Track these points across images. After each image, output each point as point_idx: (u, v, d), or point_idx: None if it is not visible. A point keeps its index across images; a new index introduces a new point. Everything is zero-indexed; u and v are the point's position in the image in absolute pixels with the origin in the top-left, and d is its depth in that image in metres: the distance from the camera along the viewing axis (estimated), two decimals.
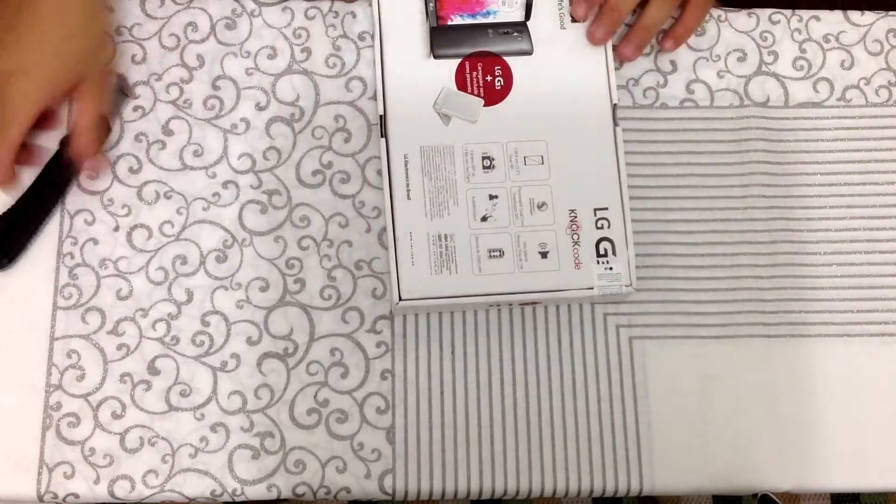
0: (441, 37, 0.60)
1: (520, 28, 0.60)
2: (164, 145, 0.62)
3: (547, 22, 0.60)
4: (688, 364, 0.60)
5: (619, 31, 0.62)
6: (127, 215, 0.61)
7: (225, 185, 0.61)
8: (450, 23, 0.60)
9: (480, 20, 0.60)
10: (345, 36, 0.64)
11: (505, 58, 0.59)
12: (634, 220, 0.60)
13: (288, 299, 0.60)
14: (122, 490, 0.56)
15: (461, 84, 0.59)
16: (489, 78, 0.59)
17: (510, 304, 0.59)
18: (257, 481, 0.57)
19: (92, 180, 0.60)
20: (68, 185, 0.60)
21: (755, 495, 0.61)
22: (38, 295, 0.59)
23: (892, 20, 0.66)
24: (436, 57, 0.59)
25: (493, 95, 0.59)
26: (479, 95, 0.59)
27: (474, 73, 0.59)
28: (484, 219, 0.57)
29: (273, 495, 0.57)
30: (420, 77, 0.59)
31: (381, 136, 0.58)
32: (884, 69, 0.65)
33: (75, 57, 0.57)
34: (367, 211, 0.61)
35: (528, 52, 0.60)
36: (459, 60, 0.59)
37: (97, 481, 0.56)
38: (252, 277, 0.60)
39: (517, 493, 0.58)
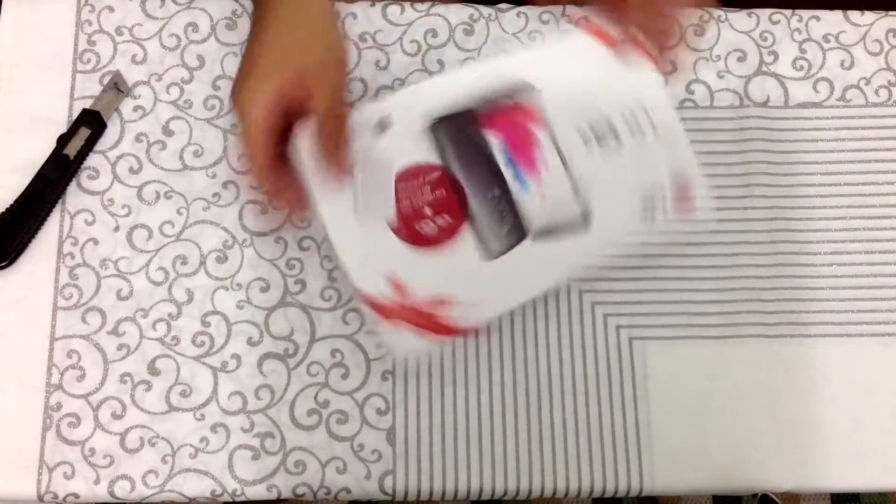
0: None
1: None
2: (164, 145, 0.62)
3: None
4: (688, 364, 0.60)
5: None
6: (127, 215, 0.61)
7: (225, 185, 0.61)
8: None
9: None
10: (345, 37, 0.64)
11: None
12: None
13: (289, 300, 0.60)
14: (122, 490, 0.56)
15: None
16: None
17: None
18: (257, 482, 0.57)
19: (339, 180, 0.55)
20: (67, 184, 0.60)
21: (755, 495, 0.61)
22: (38, 295, 0.59)
23: (892, 20, 0.66)
24: None
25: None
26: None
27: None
28: None
29: (273, 496, 0.57)
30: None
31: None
32: (884, 69, 0.65)
33: (308, 55, 0.54)
34: None
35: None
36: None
37: (97, 481, 0.56)
38: (252, 278, 0.60)
39: (517, 493, 0.58)
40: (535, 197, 0.56)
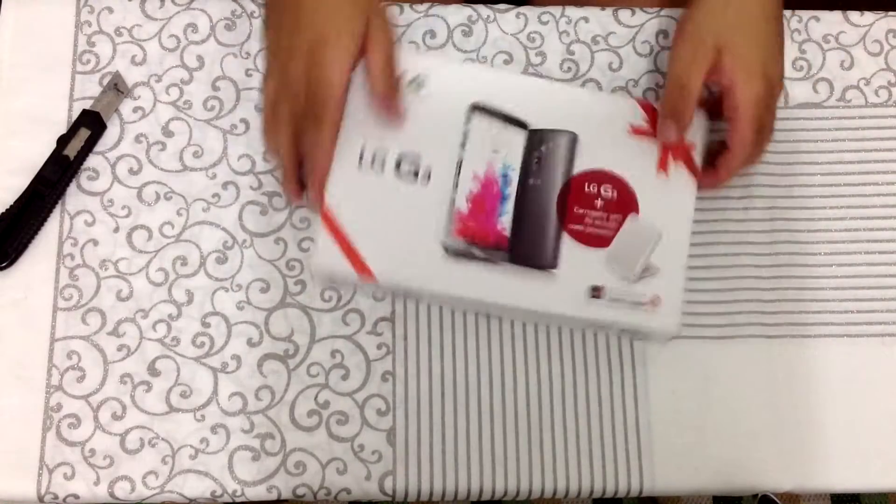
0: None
1: None
2: (164, 146, 0.62)
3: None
4: (688, 364, 0.60)
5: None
6: (127, 216, 0.61)
7: (225, 185, 0.61)
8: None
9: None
10: None
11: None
12: None
13: (289, 301, 0.60)
14: (122, 491, 0.56)
15: None
16: None
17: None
18: (257, 482, 0.57)
19: (394, 125, 0.57)
20: (67, 185, 0.60)
21: (755, 495, 0.61)
22: (38, 296, 0.59)
23: (892, 20, 0.66)
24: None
25: None
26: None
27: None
28: None
29: (273, 496, 0.57)
30: None
31: None
32: (883, 69, 0.65)
33: (359, 8, 0.56)
34: None
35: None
36: None
37: (97, 482, 0.56)
38: (252, 279, 0.60)
39: (517, 493, 0.58)
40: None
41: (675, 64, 0.58)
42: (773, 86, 0.58)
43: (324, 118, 0.55)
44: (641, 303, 0.56)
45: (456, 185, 0.57)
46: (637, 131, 0.59)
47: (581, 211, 0.57)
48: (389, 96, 0.56)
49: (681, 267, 0.57)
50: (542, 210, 0.57)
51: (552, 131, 0.58)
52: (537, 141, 0.58)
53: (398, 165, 0.57)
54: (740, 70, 0.56)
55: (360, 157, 0.57)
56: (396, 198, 0.56)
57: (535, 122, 0.58)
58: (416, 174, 0.57)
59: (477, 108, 0.58)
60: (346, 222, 0.56)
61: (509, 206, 0.57)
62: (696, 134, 0.59)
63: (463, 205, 0.57)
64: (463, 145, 0.58)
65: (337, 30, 0.55)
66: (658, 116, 0.58)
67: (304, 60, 0.55)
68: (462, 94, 0.58)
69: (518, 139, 0.58)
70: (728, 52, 0.56)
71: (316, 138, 0.55)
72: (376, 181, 0.57)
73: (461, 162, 0.57)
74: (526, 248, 0.57)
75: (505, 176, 0.57)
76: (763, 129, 0.57)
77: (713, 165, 0.59)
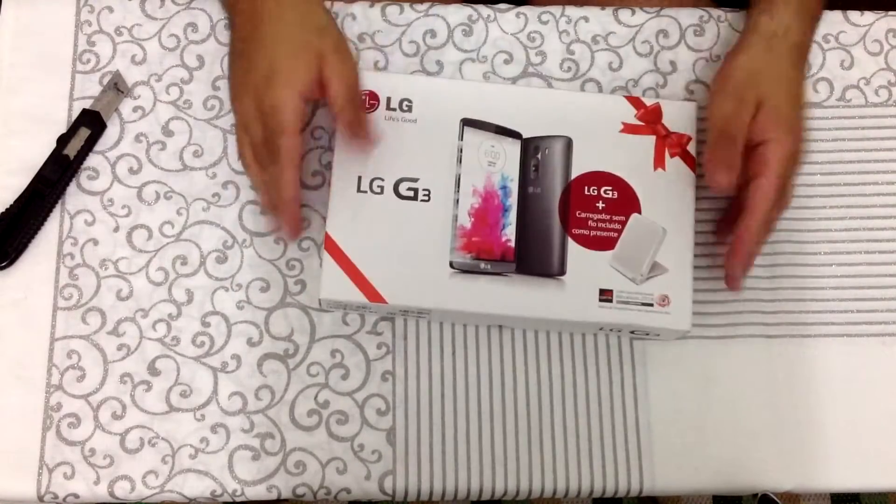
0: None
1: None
2: (164, 146, 0.62)
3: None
4: (688, 364, 0.60)
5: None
6: (127, 216, 0.61)
7: (225, 185, 0.61)
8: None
9: None
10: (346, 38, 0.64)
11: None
12: None
13: (289, 300, 0.60)
14: (122, 490, 0.56)
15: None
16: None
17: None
18: (257, 482, 0.57)
19: (364, 153, 0.57)
20: (67, 184, 0.60)
21: (755, 495, 0.61)
22: (38, 295, 0.59)
23: (892, 20, 0.66)
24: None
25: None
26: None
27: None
28: None
29: (273, 496, 0.57)
30: None
31: None
32: (883, 69, 0.65)
33: (312, 40, 0.55)
34: None
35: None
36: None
37: (97, 482, 0.56)
38: (252, 278, 0.60)
39: (517, 493, 0.58)
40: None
41: (718, 114, 0.56)
42: (801, 145, 0.57)
43: (279, 150, 0.54)
44: (651, 303, 0.56)
45: (457, 202, 0.57)
46: (629, 128, 0.59)
47: (583, 215, 0.57)
48: (356, 124, 0.55)
49: (687, 263, 0.57)
50: (544, 218, 0.57)
51: (546, 138, 0.58)
52: (532, 149, 0.58)
53: (397, 188, 0.57)
54: (776, 127, 0.55)
55: (359, 185, 0.57)
56: (399, 219, 0.56)
57: (528, 131, 0.58)
58: (416, 195, 0.57)
59: (468, 124, 0.58)
60: (351, 248, 0.56)
61: (512, 217, 0.57)
62: (689, 126, 0.59)
63: (466, 220, 0.57)
64: (459, 161, 0.57)
65: (288, 62, 0.54)
66: (706, 165, 0.55)
67: (255, 95, 0.55)
68: (450, 112, 0.58)
69: (513, 149, 0.58)
70: (766, 107, 0.55)
71: (274, 170, 0.54)
72: (377, 205, 0.57)
73: (459, 178, 0.57)
74: (532, 258, 0.57)
75: (504, 187, 0.57)
76: (785, 193, 0.56)
77: (724, 233, 0.58)
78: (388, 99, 0.58)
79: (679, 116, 0.59)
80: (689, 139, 0.58)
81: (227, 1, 0.62)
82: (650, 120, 0.59)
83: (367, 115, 0.57)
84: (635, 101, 0.59)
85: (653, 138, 0.58)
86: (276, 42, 0.55)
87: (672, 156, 0.58)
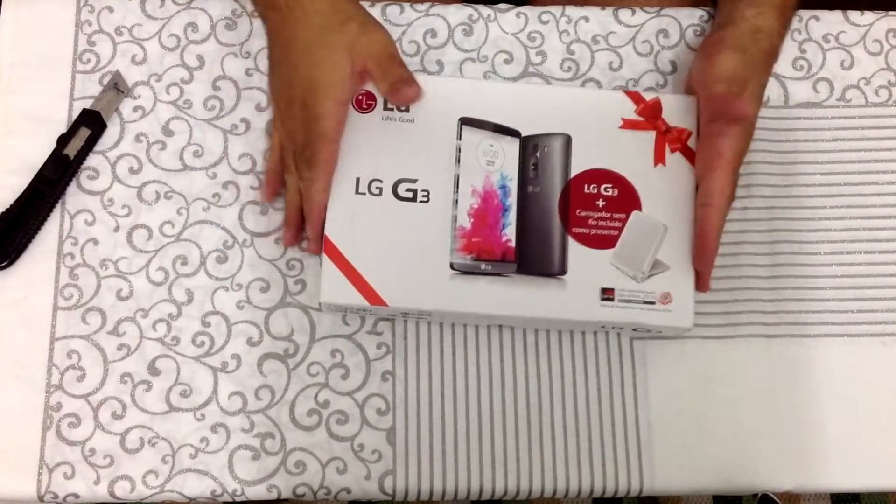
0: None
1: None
2: (164, 146, 0.62)
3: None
4: (688, 364, 0.60)
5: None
6: (127, 216, 0.61)
7: (225, 185, 0.61)
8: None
9: None
10: None
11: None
12: None
13: (289, 300, 0.60)
14: (122, 490, 0.56)
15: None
16: None
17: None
18: (257, 482, 0.57)
19: (418, 100, 0.57)
20: (67, 184, 0.60)
21: (755, 495, 0.61)
22: (38, 295, 0.59)
23: (892, 20, 0.66)
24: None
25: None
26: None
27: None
28: None
29: (273, 496, 0.57)
30: None
31: None
32: (883, 69, 0.65)
33: (346, 42, 0.56)
34: None
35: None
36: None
37: (97, 481, 0.56)
38: (252, 278, 0.60)
39: (517, 493, 0.58)
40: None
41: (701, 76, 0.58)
42: (752, 134, 0.57)
43: (317, 158, 0.55)
44: (653, 301, 0.56)
45: (456, 202, 0.57)
46: (629, 124, 0.58)
47: (584, 213, 0.57)
48: (397, 89, 0.56)
49: (688, 259, 0.57)
50: (544, 217, 0.57)
51: (545, 136, 0.58)
52: (531, 147, 0.58)
53: (395, 190, 0.57)
54: (738, 122, 0.56)
55: (357, 186, 0.57)
56: (398, 221, 0.56)
57: (527, 128, 0.58)
58: (415, 196, 0.57)
59: (465, 123, 0.58)
60: (350, 251, 0.56)
61: (512, 217, 0.57)
62: (690, 120, 0.58)
63: (465, 221, 0.57)
64: (457, 161, 0.57)
65: (325, 72, 0.55)
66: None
67: (301, 105, 0.55)
68: (448, 111, 0.58)
69: (512, 148, 0.58)
70: (744, 96, 0.56)
71: (310, 176, 0.55)
72: (376, 206, 0.56)
73: (458, 178, 0.57)
74: (533, 258, 0.56)
75: (503, 187, 0.57)
76: (736, 185, 0.56)
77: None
78: (386, 99, 0.58)
79: (679, 111, 0.59)
80: (690, 134, 0.58)
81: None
82: (650, 115, 0.58)
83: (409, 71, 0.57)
84: (635, 96, 0.59)
85: (653, 134, 0.58)
86: (309, 50, 0.56)
87: (672, 151, 0.58)
